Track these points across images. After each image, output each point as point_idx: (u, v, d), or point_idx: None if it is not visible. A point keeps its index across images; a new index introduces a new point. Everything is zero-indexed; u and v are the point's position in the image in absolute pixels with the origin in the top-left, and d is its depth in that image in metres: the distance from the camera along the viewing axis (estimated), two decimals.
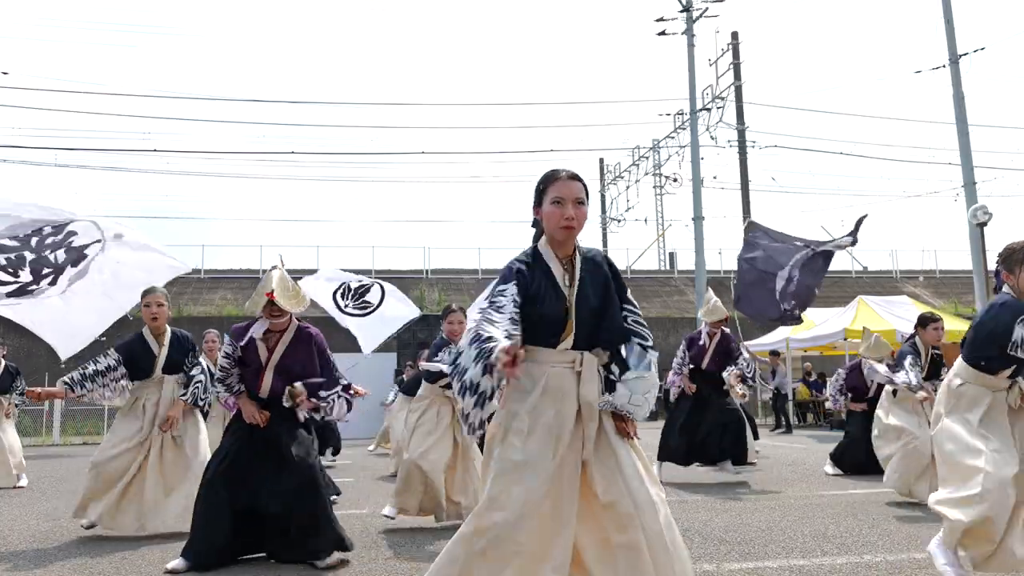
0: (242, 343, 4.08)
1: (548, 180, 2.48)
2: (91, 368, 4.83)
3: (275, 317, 4.05)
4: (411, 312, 11.51)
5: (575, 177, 2.48)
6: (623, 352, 2.47)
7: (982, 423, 3.34)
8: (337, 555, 3.88)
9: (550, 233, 2.47)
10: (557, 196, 2.43)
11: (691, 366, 7.38)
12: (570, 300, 2.44)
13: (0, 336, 8.35)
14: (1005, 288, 3.42)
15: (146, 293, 5.05)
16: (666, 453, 7.32)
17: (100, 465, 4.77)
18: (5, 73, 27.09)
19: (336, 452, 10.17)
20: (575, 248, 2.51)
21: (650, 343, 2.50)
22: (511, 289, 2.37)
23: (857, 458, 7.36)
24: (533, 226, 2.57)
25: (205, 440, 5.06)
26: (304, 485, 3.87)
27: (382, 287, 11.46)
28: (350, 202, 54.49)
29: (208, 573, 3.77)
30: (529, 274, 2.44)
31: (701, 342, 7.35)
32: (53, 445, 16.00)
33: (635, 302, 2.57)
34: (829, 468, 7.81)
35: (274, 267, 4.14)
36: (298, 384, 4.04)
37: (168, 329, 5.09)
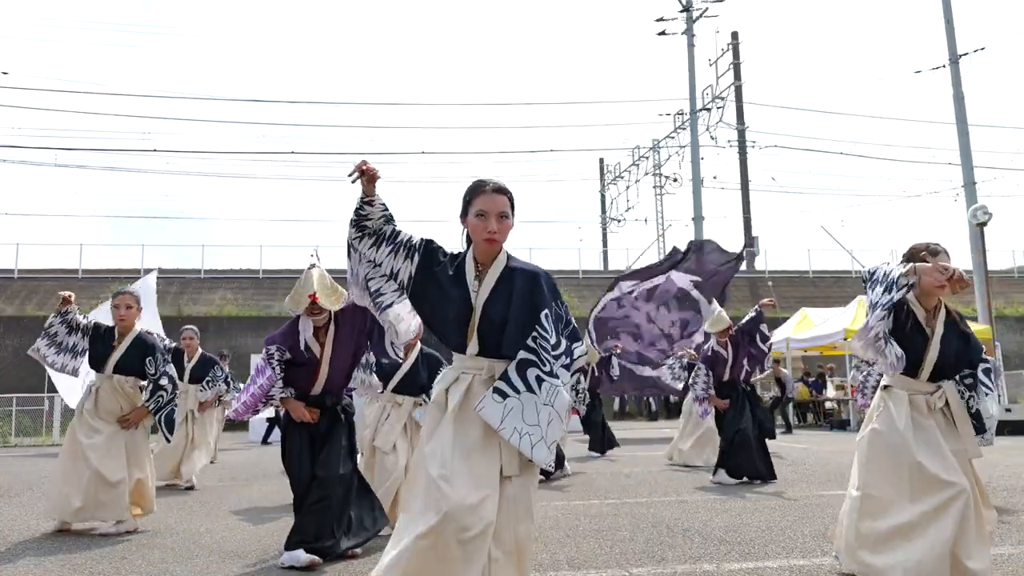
0: (291, 345, 4.11)
1: (474, 191, 2.48)
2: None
3: (316, 315, 4.10)
4: None
5: (501, 190, 2.47)
6: (508, 369, 2.35)
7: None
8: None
9: (475, 243, 2.50)
10: (481, 209, 2.44)
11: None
12: (475, 303, 2.45)
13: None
14: None
15: (116, 294, 5.15)
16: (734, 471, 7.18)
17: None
18: (5, 73, 27.19)
19: None
20: (497, 260, 2.50)
21: (547, 369, 2.33)
22: (417, 241, 2.55)
23: None
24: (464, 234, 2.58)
25: (145, 446, 5.11)
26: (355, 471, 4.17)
27: None
28: (350, 202, 54.28)
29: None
30: (445, 258, 2.53)
31: (719, 354, 7.33)
32: (53, 445, 16.00)
33: (549, 329, 2.38)
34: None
35: (313, 266, 4.16)
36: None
37: (136, 331, 5.11)
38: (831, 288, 26.40)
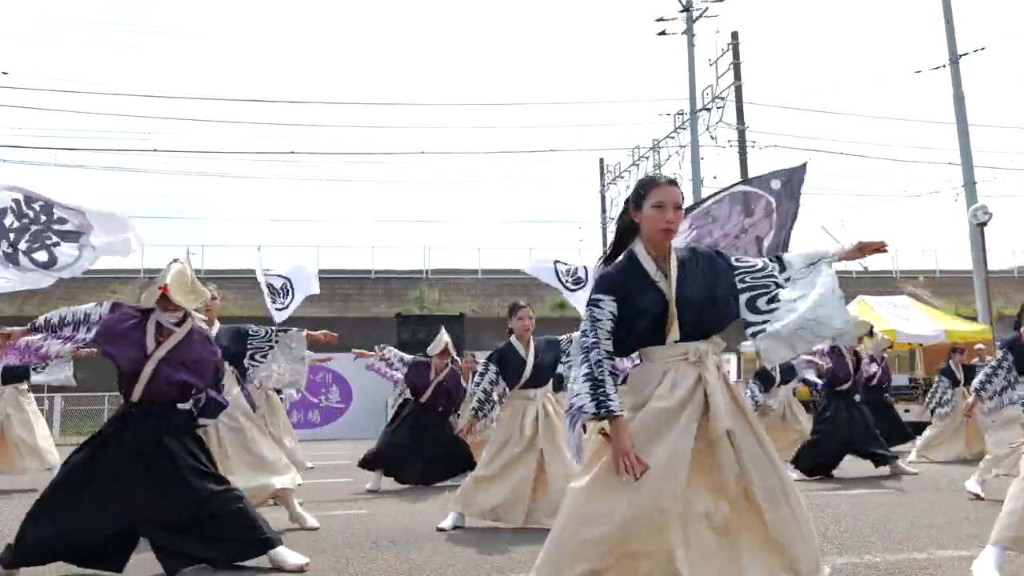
0: (123, 315, 3.79)
1: (648, 185, 2.60)
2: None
3: (169, 311, 3.81)
4: None
5: (674, 183, 2.60)
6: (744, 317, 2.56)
7: None
8: None
9: (649, 235, 2.57)
10: (659, 200, 2.54)
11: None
12: (669, 295, 2.52)
13: None
14: None
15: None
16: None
17: None
18: (5, 73, 27.13)
19: None
20: (670, 248, 2.59)
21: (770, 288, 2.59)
22: (607, 303, 2.53)
23: None
24: (618, 225, 2.70)
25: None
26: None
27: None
28: (350, 202, 54.46)
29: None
30: (622, 279, 2.56)
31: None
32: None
33: (750, 262, 2.65)
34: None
35: (175, 260, 3.91)
36: None
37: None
38: None
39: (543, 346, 5.17)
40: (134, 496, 3.60)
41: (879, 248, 2.80)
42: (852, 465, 7.60)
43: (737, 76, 23.87)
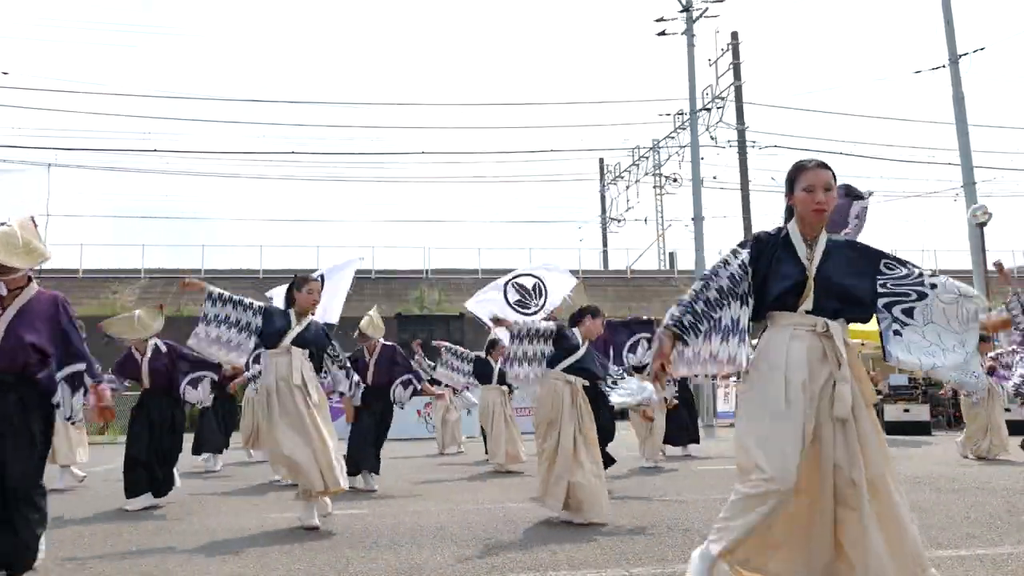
0: None
1: (798, 170, 2.82)
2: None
3: (2, 275, 3.43)
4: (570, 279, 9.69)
5: (824, 166, 2.81)
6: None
7: None
8: None
9: (801, 215, 2.80)
10: (809, 183, 2.76)
11: None
12: (809, 271, 2.74)
13: None
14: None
15: (308, 280, 5.28)
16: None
17: None
18: (5, 73, 27.13)
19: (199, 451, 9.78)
20: (823, 232, 2.81)
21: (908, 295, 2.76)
22: (742, 254, 2.80)
23: None
24: (786, 212, 2.92)
25: None
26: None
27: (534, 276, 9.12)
28: (350, 202, 54.46)
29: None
30: (769, 242, 2.82)
31: None
32: None
33: (901, 262, 2.82)
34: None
35: (2, 223, 3.50)
36: None
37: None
38: None
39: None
40: None
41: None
42: None
43: (737, 76, 23.86)
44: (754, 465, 2.61)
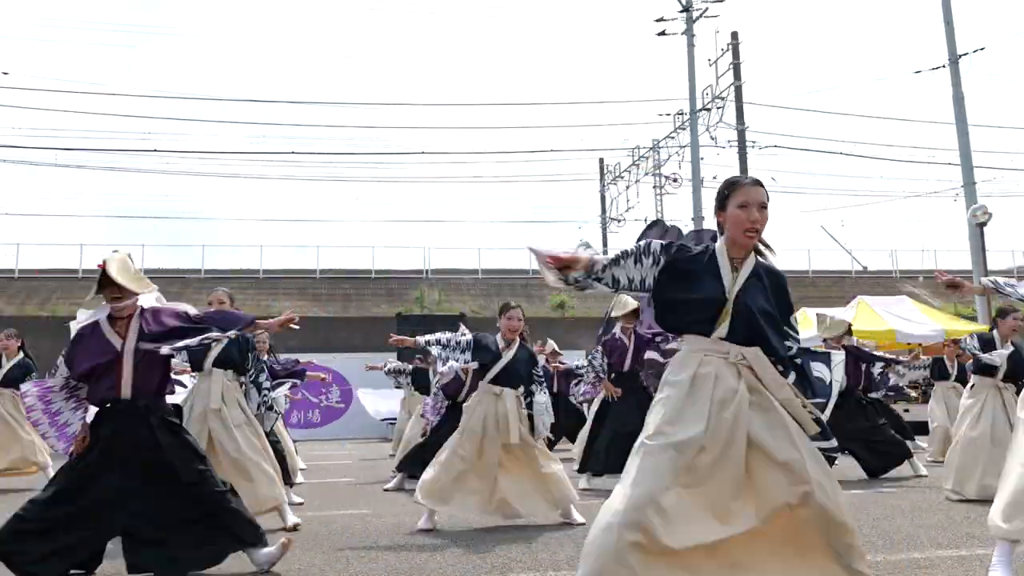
0: (84, 333, 3.62)
1: (732, 186, 2.64)
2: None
3: (116, 300, 3.56)
4: None
5: (759, 183, 2.63)
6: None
7: None
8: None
9: (732, 236, 2.62)
10: (743, 200, 2.57)
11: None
12: (730, 292, 2.56)
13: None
14: None
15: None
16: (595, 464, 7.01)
17: None
18: (5, 73, 26.95)
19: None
20: (751, 255, 2.64)
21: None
22: (655, 253, 2.62)
23: None
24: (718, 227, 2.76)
25: None
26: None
27: None
28: (350, 202, 54.42)
29: None
30: (689, 255, 2.63)
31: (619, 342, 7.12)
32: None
33: (797, 328, 2.73)
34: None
35: (115, 251, 3.68)
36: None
37: None
38: (831, 288, 26.39)
39: (524, 352, 5.20)
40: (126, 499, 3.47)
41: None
42: (852, 466, 7.59)
43: (737, 76, 23.87)
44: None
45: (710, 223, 5.61)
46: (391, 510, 5.81)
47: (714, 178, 27.02)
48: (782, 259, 2.83)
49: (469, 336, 5.25)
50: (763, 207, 2.57)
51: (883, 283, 25.99)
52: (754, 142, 24.49)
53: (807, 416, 2.53)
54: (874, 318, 15.33)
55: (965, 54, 16.21)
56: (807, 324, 17.38)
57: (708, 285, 2.57)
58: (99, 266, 3.55)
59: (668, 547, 2.26)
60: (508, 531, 4.78)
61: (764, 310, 2.57)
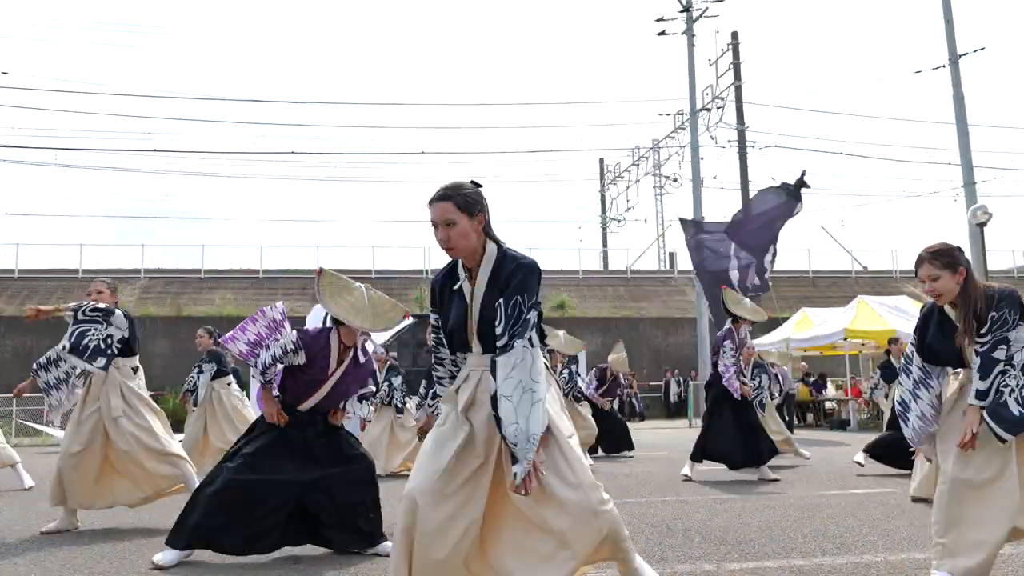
0: (312, 345, 4.05)
1: (428, 205, 2.57)
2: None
3: (348, 337, 4.09)
4: None
5: (443, 197, 2.52)
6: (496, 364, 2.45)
7: None
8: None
9: None
10: (432, 220, 2.54)
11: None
12: (471, 306, 2.54)
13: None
14: None
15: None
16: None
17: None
18: (5, 73, 27.16)
19: None
20: (484, 260, 2.56)
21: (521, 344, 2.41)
22: (432, 317, 2.70)
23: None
24: None
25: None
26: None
27: None
28: (350, 202, 54.45)
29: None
30: (439, 287, 2.67)
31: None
32: (53, 445, 15.99)
33: (522, 300, 2.45)
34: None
35: (360, 285, 4.08)
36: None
37: None
38: (831, 288, 26.40)
39: None
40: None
41: None
42: (852, 465, 7.59)
43: (737, 76, 23.87)
44: None
45: None
46: (391, 510, 5.80)
47: (714, 178, 26.98)
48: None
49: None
50: (448, 224, 2.49)
51: (883, 283, 25.99)
52: (754, 142, 24.50)
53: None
54: (874, 318, 15.34)
55: (965, 54, 16.21)
56: (807, 324, 17.48)
57: (455, 301, 2.60)
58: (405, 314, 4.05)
59: None
60: None
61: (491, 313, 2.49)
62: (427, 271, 26.09)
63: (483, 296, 2.52)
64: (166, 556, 3.82)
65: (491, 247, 2.57)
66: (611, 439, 10.37)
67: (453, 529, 2.40)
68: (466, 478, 2.45)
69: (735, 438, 7.13)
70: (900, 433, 7.15)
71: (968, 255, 3.23)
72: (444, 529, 2.39)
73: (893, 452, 7.09)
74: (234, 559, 3.97)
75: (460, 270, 2.60)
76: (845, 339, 15.45)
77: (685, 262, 27.97)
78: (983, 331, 3.05)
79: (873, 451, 7.30)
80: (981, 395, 3.02)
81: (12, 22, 48.57)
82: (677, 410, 22.30)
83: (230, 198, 52.64)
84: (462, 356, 2.64)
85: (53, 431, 8.84)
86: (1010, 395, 2.99)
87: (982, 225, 14.14)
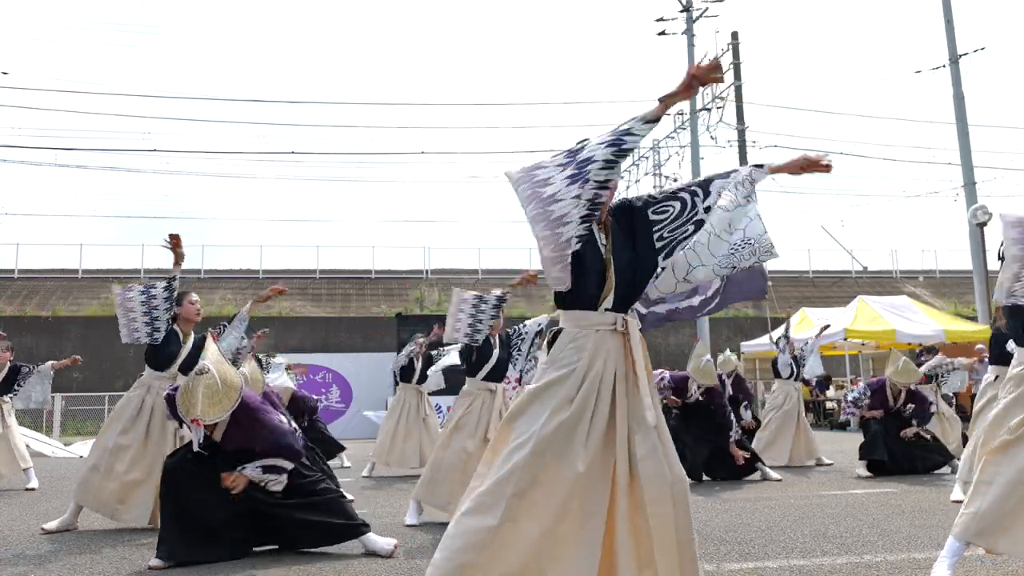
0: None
1: None
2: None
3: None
4: None
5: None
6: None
7: None
8: None
9: None
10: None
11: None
12: (607, 258, 2.50)
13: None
14: None
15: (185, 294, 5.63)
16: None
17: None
18: (5, 73, 27.07)
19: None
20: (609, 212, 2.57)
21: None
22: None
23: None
24: None
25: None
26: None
27: None
28: (350, 202, 54.43)
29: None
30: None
31: None
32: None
33: (670, 196, 2.54)
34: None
35: (200, 372, 3.88)
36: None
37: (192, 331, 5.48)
38: (831, 288, 26.39)
39: (505, 352, 5.32)
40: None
41: (821, 166, 2.48)
42: (852, 465, 7.60)
43: (737, 76, 23.87)
44: None
45: None
46: (391, 510, 5.80)
47: None
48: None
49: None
50: None
51: (883, 283, 25.99)
52: (754, 142, 24.48)
53: None
54: (874, 318, 15.33)
55: (965, 54, 16.21)
56: (807, 324, 17.47)
57: (590, 250, 2.52)
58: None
59: None
60: None
61: (626, 266, 2.57)
62: (427, 271, 26.09)
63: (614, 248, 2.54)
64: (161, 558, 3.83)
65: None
66: None
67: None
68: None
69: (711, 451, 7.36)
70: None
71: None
72: None
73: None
74: (234, 560, 3.97)
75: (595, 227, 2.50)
76: (845, 339, 15.44)
77: None
78: None
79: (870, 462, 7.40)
80: None
81: (12, 22, 48.57)
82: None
83: (230, 198, 52.60)
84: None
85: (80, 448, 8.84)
86: None
87: (982, 225, 14.15)
